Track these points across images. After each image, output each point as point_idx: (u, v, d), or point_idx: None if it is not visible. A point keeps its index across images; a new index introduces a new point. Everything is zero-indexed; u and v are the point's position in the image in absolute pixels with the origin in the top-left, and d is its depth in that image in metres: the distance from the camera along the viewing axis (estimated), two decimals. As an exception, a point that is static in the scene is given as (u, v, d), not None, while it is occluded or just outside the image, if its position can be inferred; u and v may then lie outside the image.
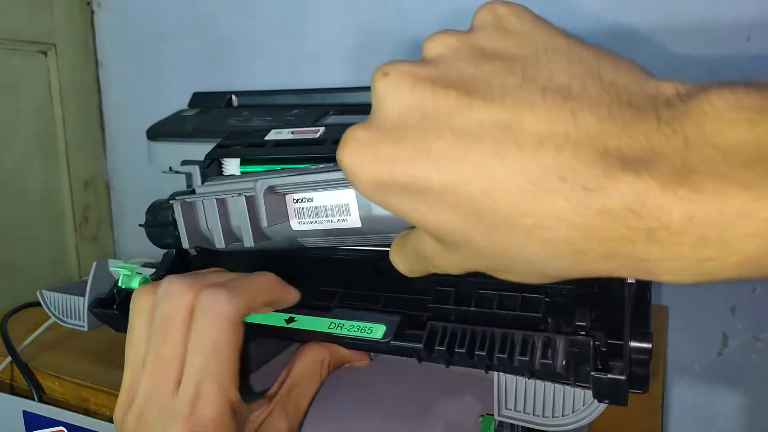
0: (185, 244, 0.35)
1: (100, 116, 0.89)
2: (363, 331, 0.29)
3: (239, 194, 0.32)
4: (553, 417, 0.29)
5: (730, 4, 0.51)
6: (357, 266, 0.37)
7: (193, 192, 0.37)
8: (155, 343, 0.29)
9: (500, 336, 0.27)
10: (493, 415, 0.31)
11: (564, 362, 0.26)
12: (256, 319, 0.33)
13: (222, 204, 0.33)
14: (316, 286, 0.33)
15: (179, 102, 0.66)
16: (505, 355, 0.27)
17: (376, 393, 0.42)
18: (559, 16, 0.57)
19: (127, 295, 0.36)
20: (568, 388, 0.28)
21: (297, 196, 0.31)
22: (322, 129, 0.42)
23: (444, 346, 0.28)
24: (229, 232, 0.34)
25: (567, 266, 0.17)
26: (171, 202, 0.36)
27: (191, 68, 0.80)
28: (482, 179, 0.17)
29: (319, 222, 0.31)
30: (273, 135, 0.44)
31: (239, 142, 0.44)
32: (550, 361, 0.26)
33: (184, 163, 0.54)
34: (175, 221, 0.35)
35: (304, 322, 0.31)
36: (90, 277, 0.44)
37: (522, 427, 0.32)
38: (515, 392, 0.30)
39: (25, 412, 0.49)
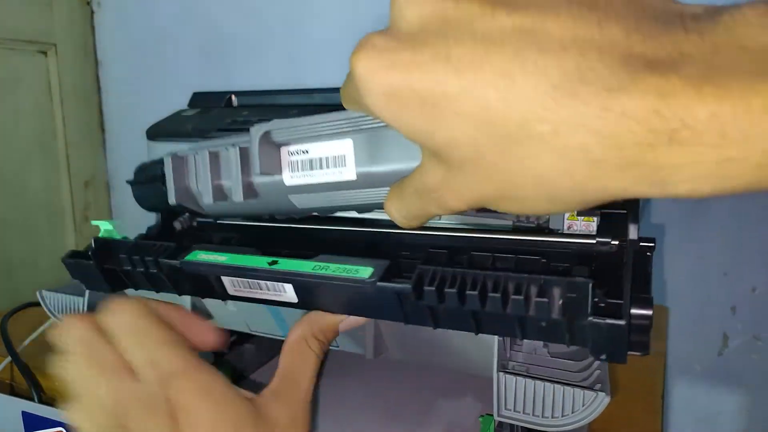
0: (171, 200, 0.33)
1: (100, 116, 0.89)
2: (349, 272, 0.28)
3: (233, 145, 0.31)
4: (552, 417, 0.29)
5: (730, 3, 0.51)
6: (347, 238, 0.36)
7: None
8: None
9: (493, 279, 0.26)
10: (492, 415, 0.31)
11: (561, 304, 0.24)
12: (237, 260, 0.31)
13: (214, 157, 0.32)
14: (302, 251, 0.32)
15: (179, 102, 0.66)
16: (499, 295, 0.25)
17: (377, 393, 0.42)
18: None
19: (104, 244, 0.35)
20: (567, 388, 0.28)
21: (293, 148, 0.29)
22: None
23: (434, 286, 0.26)
24: (218, 188, 0.32)
25: (580, 181, 0.17)
26: (162, 157, 0.34)
27: (191, 68, 0.80)
28: (500, 84, 0.16)
29: (313, 175, 0.29)
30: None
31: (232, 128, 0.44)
32: (546, 300, 0.24)
33: (184, 162, 0.54)
34: (164, 176, 0.33)
35: (288, 264, 0.29)
36: (89, 277, 0.44)
37: (522, 427, 0.32)
38: (515, 392, 0.30)
39: (24, 413, 0.49)
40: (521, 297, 0.25)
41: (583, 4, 0.17)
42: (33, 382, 0.52)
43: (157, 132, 0.58)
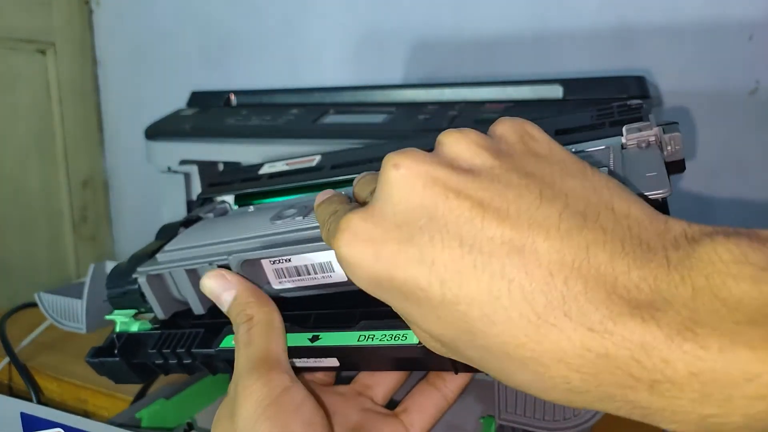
0: (160, 317, 0.33)
1: (99, 115, 0.88)
2: (396, 338, 0.27)
3: (210, 264, 0.30)
4: (554, 420, 0.29)
5: (732, 2, 0.51)
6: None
7: (153, 257, 0.34)
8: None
9: None
10: (494, 417, 0.31)
11: None
12: None
13: (193, 273, 0.31)
14: (334, 310, 0.30)
15: (178, 101, 0.65)
16: None
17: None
18: (561, 16, 0.57)
19: (128, 339, 0.33)
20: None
21: (274, 258, 0.29)
22: (318, 157, 0.41)
23: None
24: (206, 297, 0.31)
25: (558, 399, 0.17)
26: (135, 276, 0.33)
27: (190, 67, 0.80)
28: (485, 302, 0.16)
29: (301, 279, 0.29)
30: (267, 168, 0.42)
31: (232, 178, 0.43)
32: None
33: (183, 162, 0.54)
34: (143, 294, 0.33)
35: (331, 338, 0.28)
36: (87, 280, 0.44)
37: (523, 429, 0.32)
38: (516, 395, 0.30)
39: (23, 414, 0.49)
40: None
41: (572, 220, 0.17)
42: (31, 382, 0.51)
43: (156, 131, 0.58)
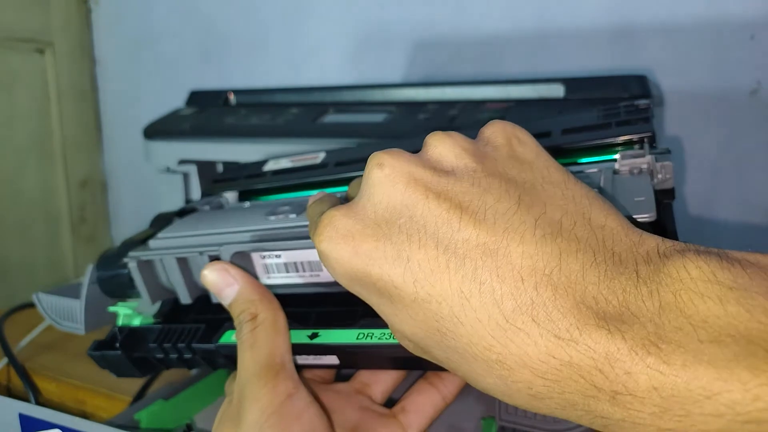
0: (148, 303, 0.33)
1: (97, 115, 0.88)
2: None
3: (201, 253, 0.30)
4: (555, 421, 0.29)
5: (734, 2, 0.51)
6: None
7: (145, 243, 0.34)
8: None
9: None
10: (495, 418, 0.31)
11: None
12: None
13: (183, 262, 0.32)
14: (335, 308, 0.30)
15: (176, 100, 0.65)
16: None
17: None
18: (563, 15, 0.56)
19: (130, 333, 0.33)
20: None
21: (264, 253, 0.29)
22: (322, 154, 0.41)
23: None
24: (194, 287, 0.32)
25: (522, 404, 0.17)
26: (126, 260, 0.33)
27: (188, 66, 0.79)
28: (455, 302, 0.17)
29: (289, 276, 0.29)
30: (272, 164, 0.42)
31: (236, 175, 0.43)
32: None
33: (182, 162, 0.54)
34: (132, 279, 0.33)
35: (330, 335, 0.28)
36: (85, 280, 0.43)
37: (524, 430, 0.31)
38: (518, 396, 0.30)
39: (21, 415, 0.49)
40: None
41: (547, 228, 0.17)
42: (29, 383, 0.51)
43: (154, 131, 0.58)
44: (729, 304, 0.14)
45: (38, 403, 0.50)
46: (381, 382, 0.31)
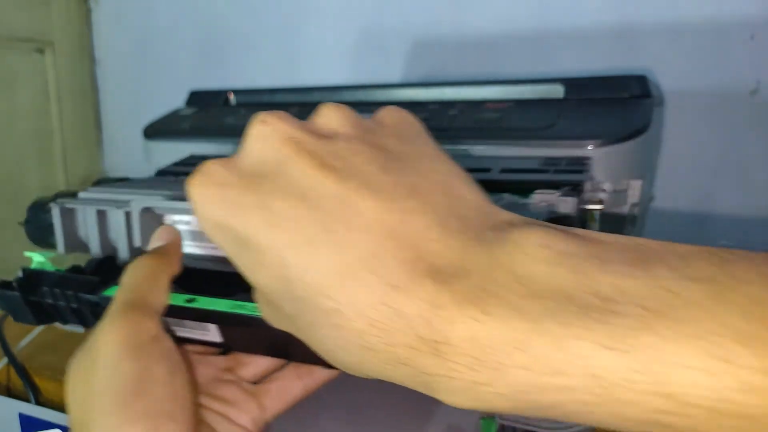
0: (60, 249, 0.34)
1: (97, 114, 0.88)
2: None
3: (118, 207, 0.31)
4: (555, 421, 0.29)
5: (733, 2, 0.51)
6: None
7: (75, 196, 0.36)
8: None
9: None
10: (494, 417, 0.31)
11: None
12: None
13: (101, 215, 0.33)
14: (217, 284, 0.31)
15: (176, 100, 0.65)
16: None
17: (377, 395, 0.42)
18: (562, 15, 0.56)
19: (31, 275, 0.33)
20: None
21: (175, 217, 0.30)
22: None
23: None
24: (107, 243, 0.33)
25: (354, 361, 0.17)
26: (51, 204, 0.35)
27: (188, 66, 0.79)
28: (304, 250, 0.17)
29: (197, 246, 0.29)
30: None
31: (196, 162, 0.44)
32: None
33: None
34: (52, 225, 0.34)
35: (206, 302, 0.28)
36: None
37: (524, 430, 0.31)
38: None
39: (21, 415, 0.49)
40: None
41: (403, 189, 0.18)
42: (30, 383, 0.51)
43: (154, 131, 0.58)
44: (556, 265, 0.15)
45: (38, 403, 0.50)
46: (254, 364, 0.31)
